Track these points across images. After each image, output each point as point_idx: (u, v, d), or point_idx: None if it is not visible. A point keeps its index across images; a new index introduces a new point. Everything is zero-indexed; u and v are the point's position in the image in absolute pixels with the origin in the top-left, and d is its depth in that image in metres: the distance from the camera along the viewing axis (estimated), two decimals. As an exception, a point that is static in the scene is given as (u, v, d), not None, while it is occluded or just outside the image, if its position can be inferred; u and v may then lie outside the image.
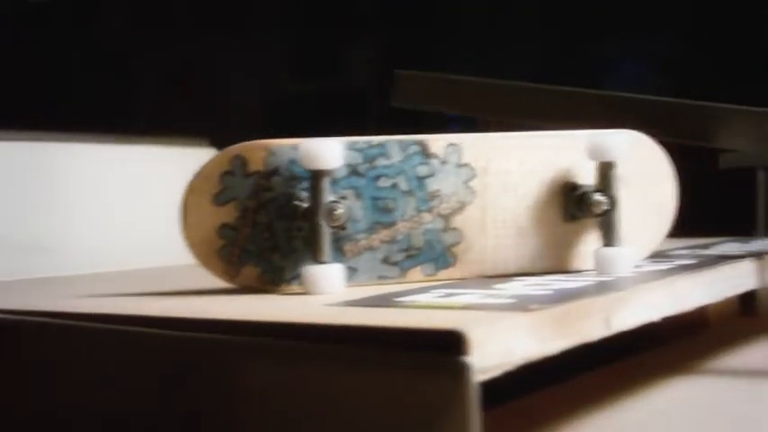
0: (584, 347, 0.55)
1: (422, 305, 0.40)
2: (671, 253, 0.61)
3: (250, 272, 0.48)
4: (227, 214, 0.47)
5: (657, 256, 0.58)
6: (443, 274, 0.49)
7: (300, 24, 1.33)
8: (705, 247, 0.67)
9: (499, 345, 0.33)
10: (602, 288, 0.43)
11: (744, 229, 1.22)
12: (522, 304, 0.37)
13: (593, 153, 0.49)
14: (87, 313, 0.42)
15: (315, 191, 0.46)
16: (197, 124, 1.05)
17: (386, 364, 0.33)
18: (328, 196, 0.46)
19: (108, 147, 0.87)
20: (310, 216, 0.46)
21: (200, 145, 0.88)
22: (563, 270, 0.51)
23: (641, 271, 0.50)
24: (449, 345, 0.32)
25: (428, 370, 0.32)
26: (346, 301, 0.42)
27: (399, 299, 0.42)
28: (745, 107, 0.60)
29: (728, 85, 1.28)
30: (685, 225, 0.89)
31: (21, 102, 1.00)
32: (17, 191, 0.79)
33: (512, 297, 0.40)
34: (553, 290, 0.43)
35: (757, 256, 0.57)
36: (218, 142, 0.72)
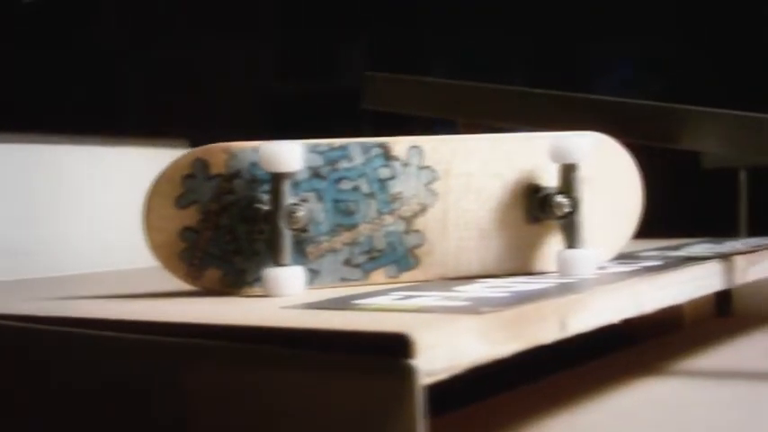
0: (556, 348, 0.56)
1: (377, 308, 0.40)
2: (639, 254, 0.61)
3: (212, 274, 0.48)
4: (189, 217, 0.47)
5: (625, 257, 0.58)
6: (406, 275, 0.49)
7: (293, 25, 1.33)
8: (676, 248, 0.67)
9: (447, 348, 0.33)
10: (559, 290, 0.43)
11: (727, 230, 1.23)
12: (474, 307, 0.37)
13: (555, 155, 0.49)
14: (42, 316, 0.42)
15: (275, 193, 0.46)
16: (189, 126, 1.05)
17: (333, 366, 0.33)
18: (289, 199, 0.46)
19: (96, 149, 0.88)
20: (271, 219, 0.46)
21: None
22: (527, 272, 0.51)
23: (604, 273, 0.50)
24: (395, 348, 0.32)
25: (375, 373, 0.32)
26: (304, 304, 0.42)
27: (357, 301, 0.42)
28: (712, 109, 0.61)
29: (715, 86, 1.28)
30: (667, 226, 0.90)
31: (7, 105, 0.99)
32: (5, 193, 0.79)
33: (467, 300, 0.40)
34: (511, 292, 0.43)
35: (724, 257, 0.57)
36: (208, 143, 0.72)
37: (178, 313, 0.41)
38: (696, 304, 0.81)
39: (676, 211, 1.46)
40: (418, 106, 0.65)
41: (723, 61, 1.29)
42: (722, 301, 0.86)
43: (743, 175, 1.31)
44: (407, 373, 0.32)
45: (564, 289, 0.43)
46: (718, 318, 0.85)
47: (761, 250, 0.63)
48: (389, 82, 0.66)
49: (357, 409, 0.33)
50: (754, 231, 1.20)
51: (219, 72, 1.24)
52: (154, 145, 0.91)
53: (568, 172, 0.49)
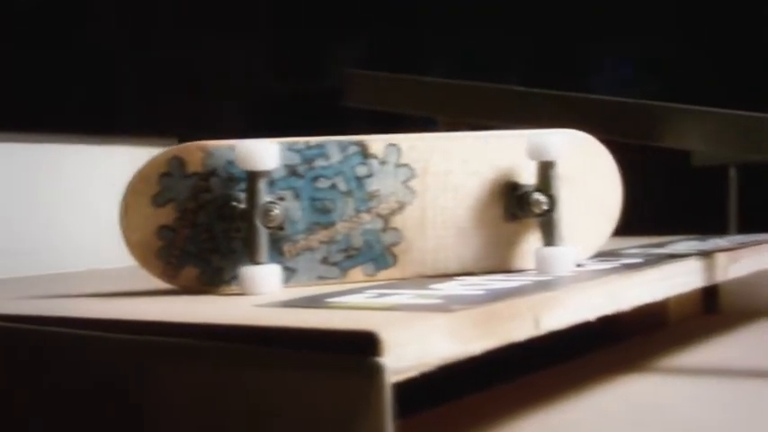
0: (539, 345, 0.56)
1: (350, 306, 0.40)
2: (621, 252, 0.61)
3: (189, 273, 0.48)
4: (166, 215, 0.47)
5: (606, 255, 0.58)
6: (384, 274, 0.49)
7: (289, 24, 1.33)
8: (659, 245, 0.67)
9: (415, 346, 0.33)
10: (534, 288, 0.43)
11: (718, 227, 1.23)
12: (445, 305, 0.37)
13: (532, 153, 0.49)
14: (13, 315, 0.42)
15: (251, 192, 0.46)
16: (188, 126, 1.05)
17: (303, 365, 0.33)
18: (265, 197, 0.46)
19: (90, 148, 0.88)
20: (247, 217, 0.46)
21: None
22: (505, 270, 0.51)
23: (582, 270, 0.50)
24: (363, 346, 0.32)
25: (343, 371, 0.32)
26: (278, 302, 0.42)
27: (330, 299, 0.42)
28: (694, 107, 0.61)
29: (714, 86, 1.28)
30: (657, 223, 0.90)
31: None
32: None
33: (441, 297, 0.40)
34: (486, 290, 0.43)
35: (705, 254, 0.57)
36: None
37: (151, 312, 0.41)
38: (682, 301, 0.81)
39: (667, 208, 1.46)
40: (399, 104, 0.65)
41: (722, 61, 1.29)
42: (709, 298, 0.86)
43: (733, 173, 1.31)
44: (375, 371, 0.32)
45: (539, 286, 0.43)
46: (705, 315, 0.85)
47: (743, 248, 0.63)
48: (370, 80, 0.66)
49: (327, 407, 0.33)
50: (743, 228, 1.21)
51: (217, 72, 1.24)
52: (150, 144, 0.91)
53: (546, 169, 0.49)
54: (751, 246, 0.65)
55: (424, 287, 0.45)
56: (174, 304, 0.44)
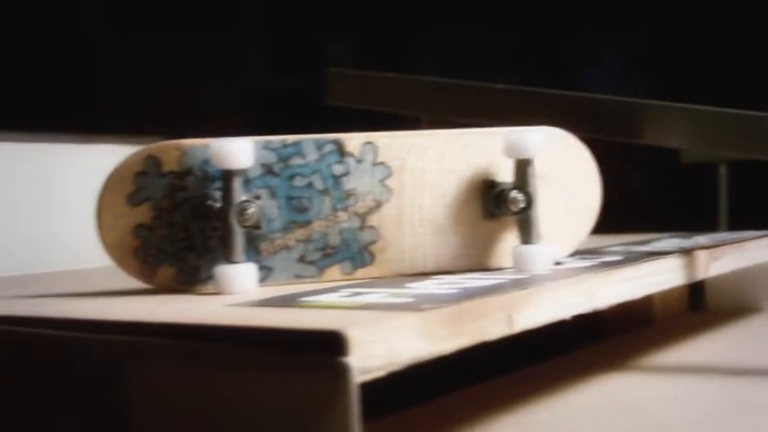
0: (523, 343, 0.56)
1: (321, 305, 0.40)
2: (602, 250, 0.61)
3: (166, 272, 0.48)
4: (142, 214, 0.47)
5: (587, 253, 0.58)
6: (362, 272, 0.49)
7: (279, 23, 1.33)
8: (642, 243, 0.67)
9: (383, 345, 0.33)
10: (509, 286, 0.43)
11: (708, 224, 1.23)
12: (416, 304, 0.37)
13: (509, 150, 0.49)
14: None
15: (226, 190, 0.46)
16: (166, 125, 1.05)
17: (271, 364, 0.33)
18: (240, 196, 0.46)
19: (73, 147, 0.87)
20: (222, 216, 0.46)
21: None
22: (483, 268, 0.51)
23: (560, 269, 0.50)
24: (329, 346, 0.32)
25: (309, 370, 0.32)
26: (251, 301, 0.42)
27: (304, 298, 0.41)
28: (673, 104, 0.61)
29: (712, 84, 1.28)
30: (648, 221, 0.90)
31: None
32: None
33: (413, 296, 0.40)
34: (460, 288, 0.43)
35: (686, 252, 0.57)
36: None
37: (122, 312, 0.41)
38: (668, 299, 0.82)
39: (657, 206, 1.46)
40: (381, 102, 0.65)
41: (721, 59, 1.29)
42: (695, 295, 0.86)
43: (723, 170, 1.31)
44: (341, 371, 0.32)
45: (513, 285, 0.43)
46: (691, 312, 0.85)
47: (724, 245, 0.63)
48: (352, 78, 0.66)
49: (294, 407, 0.33)
50: (734, 226, 1.21)
51: (203, 70, 1.23)
52: (133, 143, 0.90)
53: (523, 167, 0.49)
54: (733, 243, 0.64)
55: (399, 286, 0.45)
56: (147, 304, 0.44)
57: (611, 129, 0.62)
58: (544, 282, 0.44)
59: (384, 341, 0.33)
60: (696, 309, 0.86)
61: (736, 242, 0.65)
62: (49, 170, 0.84)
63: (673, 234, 0.76)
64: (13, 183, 0.81)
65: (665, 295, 0.81)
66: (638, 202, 1.50)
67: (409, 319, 0.35)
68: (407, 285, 0.45)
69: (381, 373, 0.33)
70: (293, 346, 0.33)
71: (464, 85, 0.62)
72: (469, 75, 0.65)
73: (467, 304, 0.38)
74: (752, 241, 0.68)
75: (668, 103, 0.61)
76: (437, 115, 0.62)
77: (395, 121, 0.66)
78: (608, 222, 0.84)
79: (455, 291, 0.42)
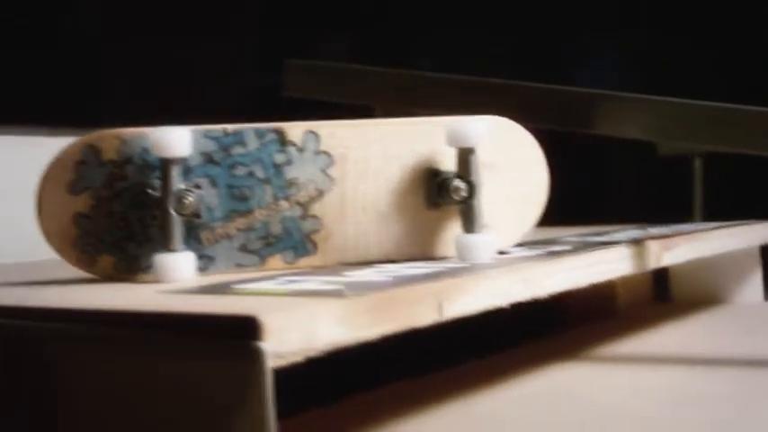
0: (479, 333, 0.56)
1: (250, 291, 0.40)
2: (556, 240, 0.61)
3: (106, 261, 0.47)
4: (82, 203, 0.47)
5: (538, 243, 0.58)
6: (304, 261, 0.49)
7: (275, 23, 1.33)
8: (600, 234, 0.67)
9: (300, 331, 0.33)
10: (443, 274, 0.43)
11: (683, 215, 1.23)
12: (340, 291, 0.37)
13: (451, 139, 0.49)
14: None
15: (164, 179, 0.46)
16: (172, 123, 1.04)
17: (189, 350, 0.33)
18: (179, 184, 0.46)
19: (39, 140, 0.87)
20: (161, 204, 0.46)
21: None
22: (428, 257, 0.51)
23: (502, 258, 0.50)
24: (243, 331, 0.32)
25: (225, 356, 0.32)
26: (183, 289, 0.42)
27: (236, 286, 0.41)
28: (625, 94, 0.61)
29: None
30: (624, 213, 0.90)
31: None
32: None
33: (345, 284, 0.40)
34: (395, 276, 0.43)
35: (636, 242, 0.57)
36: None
37: (49, 299, 0.41)
38: (631, 290, 0.82)
39: (634, 198, 1.47)
40: (336, 93, 0.64)
41: (721, 59, 1.30)
42: (660, 286, 0.86)
43: (698, 163, 1.31)
44: (255, 356, 0.32)
45: (448, 273, 0.43)
46: (656, 303, 0.85)
47: (678, 236, 0.63)
48: (309, 69, 0.66)
49: (212, 393, 0.33)
50: (710, 217, 1.21)
51: (203, 67, 1.23)
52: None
53: (465, 156, 0.49)
54: (688, 234, 0.65)
55: (336, 274, 0.45)
56: (80, 292, 0.44)
57: (569, 120, 0.62)
58: (481, 270, 0.44)
59: (300, 327, 0.33)
60: (661, 300, 0.86)
61: (692, 233, 0.65)
62: (13, 162, 0.84)
63: (633, 226, 0.77)
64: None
65: (629, 286, 0.81)
66: (614, 194, 1.51)
67: (328, 305, 0.35)
68: (345, 273, 0.45)
69: (298, 358, 0.33)
70: (210, 331, 0.33)
71: (418, 76, 0.62)
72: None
73: (393, 291, 0.38)
74: (708, 232, 0.68)
75: (622, 93, 0.61)
76: (392, 106, 0.62)
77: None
78: (584, 214, 0.84)
79: (389, 278, 0.42)
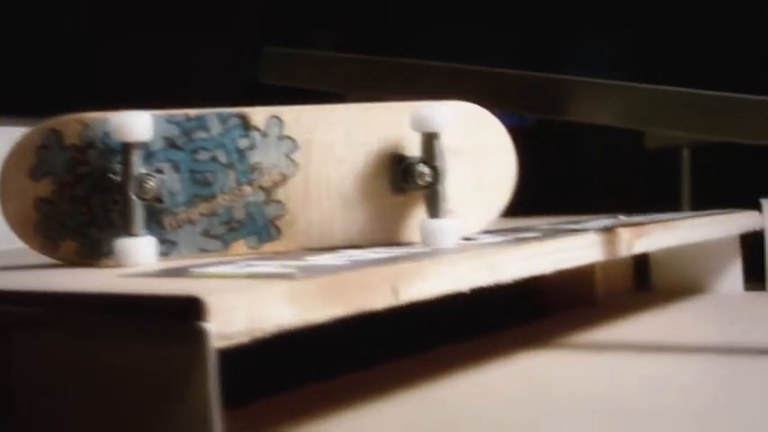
0: (453, 319, 0.55)
1: (208, 275, 0.39)
2: (527, 228, 0.61)
3: (68, 246, 0.47)
4: (44, 189, 0.47)
5: (508, 230, 0.58)
6: (268, 246, 0.49)
7: (272, 23, 1.33)
8: (575, 222, 0.67)
9: (246, 311, 0.33)
10: (402, 258, 0.42)
11: (671, 206, 1.23)
12: (293, 274, 0.37)
13: (416, 124, 0.49)
14: None
15: (125, 163, 0.46)
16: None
17: (135, 332, 0.33)
18: (140, 169, 0.46)
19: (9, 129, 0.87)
20: (122, 189, 0.46)
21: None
22: (392, 242, 0.51)
23: (468, 243, 0.50)
24: (187, 311, 0.32)
25: (169, 337, 0.32)
26: (141, 272, 0.42)
27: (195, 269, 0.41)
28: (595, 80, 0.60)
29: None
30: (611, 204, 0.89)
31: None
32: None
33: (301, 268, 0.40)
34: (352, 260, 0.42)
35: (607, 229, 0.57)
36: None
37: (4, 282, 0.41)
38: (611, 278, 0.82)
39: (622, 188, 1.47)
40: (310, 80, 0.64)
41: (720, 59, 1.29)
42: (641, 275, 0.86)
43: (685, 153, 1.31)
44: (199, 336, 0.31)
45: (407, 257, 0.43)
46: (636, 292, 0.85)
47: (650, 224, 0.62)
48: (284, 57, 0.65)
49: (157, 375, 0.33)
50: (696, 207, 1.21)
51: (199, 66, 1.23)
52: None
53: (430, 141, 0.49)
54: (662, 222, 0.64)
55: (297, 258, 0.44)
56: (36, 276, 0.44)
57: (538, 106, 0.62)
58: (443, 255, 0.44)
59: (246, 307, 0.33)
60: (642, 288, 0.86)
61: (667, 221, 0.65)
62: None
63: (609, 215, 0.76)
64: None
65: (608, 275, 0.81)
66: (601, 186, 1.51)
67: (277, 286, 0.35)
68: (306, 258, 0.45)
69: (244, 339, 0.33)
70: (154, 312, 0.33)
71: (390, 62, 0.62)
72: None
73: (346, 274, 0.38)
74: (683, 220, 0.68)
75: (594, 80, 0.61)
76: (364, 92, 0.62)
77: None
78: (569, 206, 0.84)
79: (346, 262, 0.42)
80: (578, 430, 0.41)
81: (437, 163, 0.49)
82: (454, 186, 0.50)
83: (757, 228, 0.79)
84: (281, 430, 0.42)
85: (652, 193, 1.34)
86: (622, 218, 0.69)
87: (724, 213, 0.76)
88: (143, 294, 0.34)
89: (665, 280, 0.84)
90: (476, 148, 0.52)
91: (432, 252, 0.45)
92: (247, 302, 0.33)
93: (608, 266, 0.80)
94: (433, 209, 0.49)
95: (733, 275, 0.83)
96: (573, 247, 0.53)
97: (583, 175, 1.41)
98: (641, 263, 0.85)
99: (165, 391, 0.32)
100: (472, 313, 0.60)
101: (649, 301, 0.77)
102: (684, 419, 0.42)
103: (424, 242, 0.49)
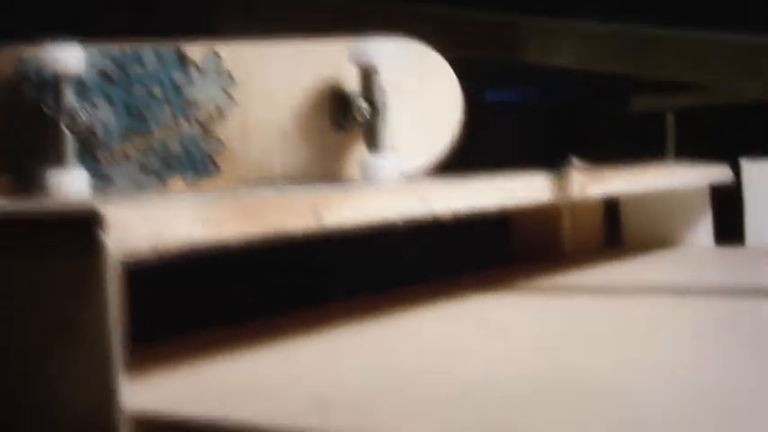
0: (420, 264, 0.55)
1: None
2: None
3: (4, 179, 0.47)
4: (-21, 122, 0.47)
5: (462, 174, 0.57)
6: (206, 183, 0.49)
7: None
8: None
9: (149, 226, 0.33)
10: (329, 188, 0.42)
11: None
12: (209, 195, 0.37)
13: (354, 58, 0.49)
14: None
15: (57, 95, 0.46)
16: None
17: (40, 246, 0.33)
18: (71, 101, 0.46)
19: None
20: (53, 121, 0.46)
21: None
22: (332, 178, 0.50)
23: (405, 178, 0.49)
24: (87, 225, 0.32)
25: (71, 250, 0.32)
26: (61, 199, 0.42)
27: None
28: (560, 23, 0.60)
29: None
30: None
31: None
32: None
33: (224, 192, 0.40)
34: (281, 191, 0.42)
35: (558, 172, 0.56)
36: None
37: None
38: (579, 230, 0.81)
39: (607, 152, 1.45)
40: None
41: None
42: (612, 230, 0.86)
43: (670, 118, 1.30)
44: (97, 249, 0.31)
45: (336, 187, 0.43)
46: (606, 245, 0.85)
47: (607, 170, 0.62)
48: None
49: (60, 288, 0.32)
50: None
51: None
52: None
53: (368, 75, 0.49)
54: (623, 169, 0.64)
55: (232, 191, 0.44)
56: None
57: (501, 48, 0.62)
58: (373, 186, 0.44)
59: (151, 222, 0.33)
60: (613, 244, 0.85)
61: (628, 169, 0.65)
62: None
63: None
64: None
65: (577, 227, 0.80)
66: (588, 148, 1.49)
67: (187, 203, 0.34)
68: (239, 192, 0.44)
69: (150, 254, 0.33)
70: (56, 226, 0.33)
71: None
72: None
73: (266, 195, 0.38)
74: (645, 169, 0.67)
75: (557, 22, 0.61)
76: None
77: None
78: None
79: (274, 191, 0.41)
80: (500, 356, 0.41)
81: (376, 98, 0.49)
82: (395, 123, 0.50)
83: (725, 180, 0.78)
84: (184, 368, 0.42)
85: (637, 156, 1.33)
86: (579, 164, 0.68)
87: (689, 165, 0.76)
88: (45, 210, 0.33)
89: (636, 234, 0.84)
90: (419, 85, 0.52)
91: (364, 183, 0.45)
92: (151, 217, 0.33)
93: (577, 220, 0.79)
94: (373, 145, 0.49)
95: (704, 230, 0.82)
96: (519, 188, 0.53)
97: (567, 140, 1.40)
98: (612, 218, 0.85)
99: (68, 304, 0.32)
100: (433, 261, 0.59)
101: (618, 254, 0.77)
102: (631, 351, 0.42)
103: (364, 178, 0.49)
